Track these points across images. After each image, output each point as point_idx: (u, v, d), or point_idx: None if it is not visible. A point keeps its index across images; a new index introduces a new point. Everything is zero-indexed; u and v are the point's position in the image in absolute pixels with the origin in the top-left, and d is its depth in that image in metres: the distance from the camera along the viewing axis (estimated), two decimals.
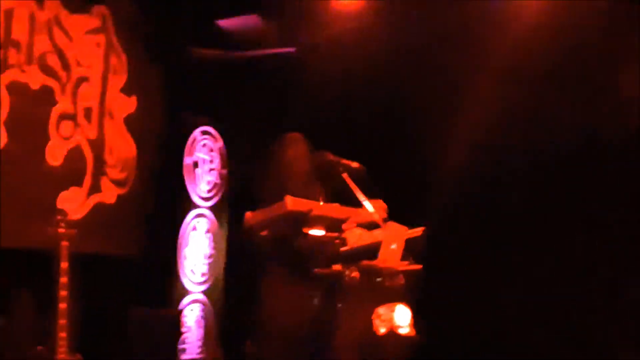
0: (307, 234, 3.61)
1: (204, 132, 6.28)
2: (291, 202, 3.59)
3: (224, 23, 6.10)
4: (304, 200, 3.66)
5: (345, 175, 3.93)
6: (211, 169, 6.30)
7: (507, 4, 5.03)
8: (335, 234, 3.64)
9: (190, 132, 6.16)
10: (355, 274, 3.55)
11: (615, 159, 4.81)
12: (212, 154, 6.32)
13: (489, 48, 5.02)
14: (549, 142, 4.96)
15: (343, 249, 3.63)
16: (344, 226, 3.68)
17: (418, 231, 3.74)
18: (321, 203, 3.81)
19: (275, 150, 4.04)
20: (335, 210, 3.72)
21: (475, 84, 5.07)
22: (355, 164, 3.99)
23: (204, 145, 6.28)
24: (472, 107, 5.02)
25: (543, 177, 5.05)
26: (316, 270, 3.58)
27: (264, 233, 3.78)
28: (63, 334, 4.14)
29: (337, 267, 3.57)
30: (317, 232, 3.64)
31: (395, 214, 3.77)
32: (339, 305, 3.56)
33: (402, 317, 3.59)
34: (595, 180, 4.86)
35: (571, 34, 4.79)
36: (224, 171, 6.36)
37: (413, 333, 3.59)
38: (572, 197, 4.96)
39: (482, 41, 5.06)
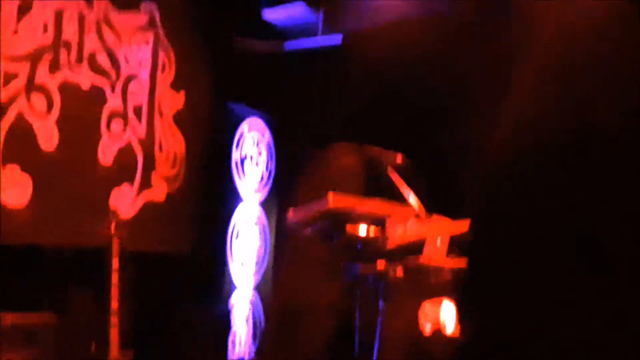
0: (350, 232, 3.56)
1: (252, 126, 6.29)
2: (334, 199, 3.55)
3: (270, 14, 6.08)
4: (347, 197, 3.61)
5: (390, 169, 3.86)
6: (259, 163, 6.31)
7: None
8: (379, 231, 3.58)
9: (238, 125, 6.17)
10: (400, 272, 3.49)
11: None
12: (260, 147, 6.32)
13: (530, 42, 4.86)
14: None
15: (387, 245, 3.56)
16: (387, 222, 3.61)
17: (464, 225, 3.64)
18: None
19: (324, 159, 4.01)
20: (378, 206, 3.65)
21: (517, 77, 4.91)
22: (399, 158, 3.92)
23: (252, 138, 6.29)
24: (517, 101, 4.88)
25: (590, 165, 4.86)
26: (359, 268, 3.53)
27: (307, 231, 3.76)
28: (115, 332, 4.23)
29: (381, 264, 3.51)
30: (361, 229, 3.58)
31: (439, 207, 3.68)
32: (384, 303, 3.50)
33: (447, 315, 3.52)
34: None
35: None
36: (272, 164, 6.37)
37: (457, 333, 3.52)
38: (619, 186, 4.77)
39: (524, 35, 4.91)
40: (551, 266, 4.88)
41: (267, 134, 6.37)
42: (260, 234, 6.26)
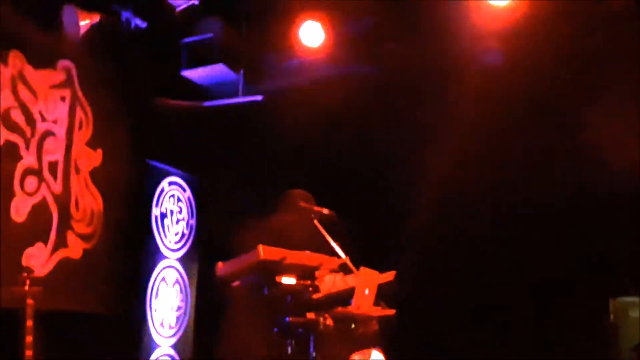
0: (279, 283, 3.58)
1: (172, 183, 6.25)
2: (264, 251, 3.57)
3: (190, 73, 6.13)
4: (277, 249, 3.64)
5: (316, 222, 3.93)
6: (179, 220, 6.25)
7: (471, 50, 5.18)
8: (308, 282, 3.62)
9: (159, 183, 6.12)
10: (330, 322, 3.52)
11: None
12: (180, 204, 6.28)
13: (454, 97, 5.14)
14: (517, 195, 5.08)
15: (316, 296, 3.60)
16: (317, 273, 3.66)
17: (389, 276, 3.74)
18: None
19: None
20: (307, 257, 3.70)
21: (441, 132, 5.17)
22: (326, 210, 4.00)
23: (172, 195, 6.25)
24: (439, 156, 5.12)
25: (513, 229, 5.13)
26: (290, 319, 3.53)
27: (236, 283, 3.75)
28: None
29: (311, 315, 3.53)
30: (290, 280, 3.61)
31: (365, 260, 3.77)
32: (314, 354, 3.51)
33: None
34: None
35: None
36: (192, 221, 6.33)
37: None
38: (544, 251, 5.05)
39: (447, 89, 5.19)
40: (477, 315, 5.06)
41: (188, 191, 6.34)
42: (180, 291, 6.15)
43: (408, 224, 5.15)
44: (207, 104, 6.25)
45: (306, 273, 3.63)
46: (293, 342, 3.59)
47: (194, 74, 6.12)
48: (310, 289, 3.58)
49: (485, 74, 5.09)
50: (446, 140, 5.10)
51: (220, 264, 3.80)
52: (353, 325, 3.60)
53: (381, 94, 5.41)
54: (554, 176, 5.03)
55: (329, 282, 3.65)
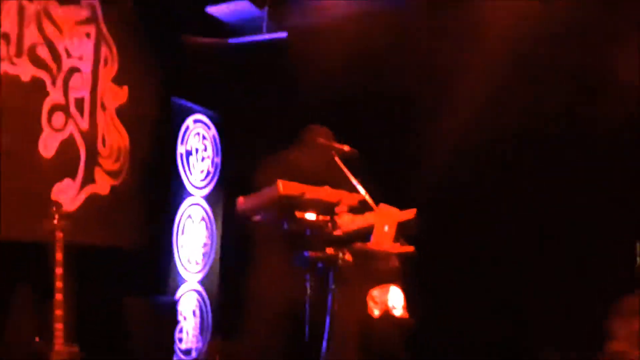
0: (299, 218, 3.60)
1: (197, 121, 6.27)
2: (283, 186, 3.59)
3: (215, 10, 6.08)
4: (296, 184, 3.65)
5: (337, 159, 3.92)
6: (204, 158, 6.30)
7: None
8: (328, 218, 3.63)
9: (183, 120, 6.15)
10: (349, 257, 3.54)
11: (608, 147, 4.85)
12: (205, 142, 6.31)
13: (481, 35, 5.03)
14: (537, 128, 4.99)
15: (336, 232, 3.62)
16: (336, 209, 3.67)
17: (410, 213, 3.73)
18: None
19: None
20: (327, 193, 3.71)
21: (468, 68, 5.08)
22: (347, 147, 3.98)
23: (197, 133, 6.28)
24: (464, 92, 5.04)
25: (532, 161, 5.07)
26: (309, 253, 3.56)
27: (257, 218, 3.78)
28: (60, 325, 4.16)
29: (330, 250, 3.55)
30: (310, 216, 3.63)
31: (387, 197, 3.76)
32: (333, 288, 3.55)
33: (395, 299, 3.60)
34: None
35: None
36: (217, 159, 6.37)
37: (406, 315, 3.60)
38: (561, 184, 4.99)
39: (474, 27, 5.08)
40: (494, 253, 5.05)
41: (213, 129, 6.36)
42: (206, 228, 6.25)
43: (429, 162, 5.11)
44: (231, 41, 6.20)
45: (325, 209, 3.63)
46: (312, 276, 3.63)
47: (219, 11, 6.07)
48: (330, 224, 3.59)
49: (515, 12, 4.96)
50: (471, 79, 5.02)
51: (240, 199, 3.83)
52: (372, 262, 3.61)
53: (406, 31, 5.31)
54: (580, 115, 4.93)
55: (349, 219, 3.65)
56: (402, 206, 3.76)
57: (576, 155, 4.98)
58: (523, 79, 5.04)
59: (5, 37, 4.79)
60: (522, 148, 5.13)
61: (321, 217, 3.62)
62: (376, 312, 3.59)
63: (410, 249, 3.69)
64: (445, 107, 5.14)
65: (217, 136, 6.37)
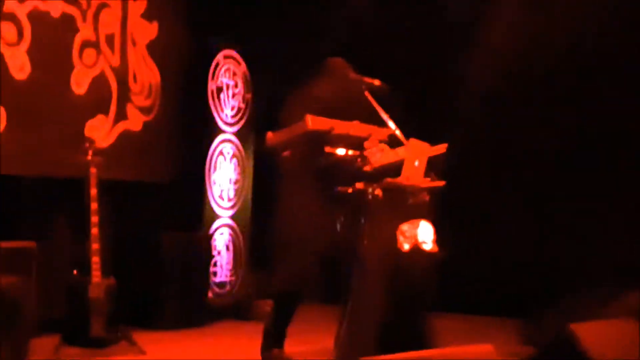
0: (328, 153, 3.58)
1: (227, 57, 6.23)
2: (312, 121, 3.56)
3: None
4: (325, 119, 3.62)
5: (367, 93, 3.87)
6: (235, 94, 6.27)
7: None
8: (358, 153, 3.61)
9: (214, 56, 6.11)
10: (379, 192, 3.53)
11: None
12: (236, 78, 6.28)
13: None
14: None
15: (366, 167, 3.60)
16: (366, 144, 3.64)
17: (441, 148, 3.69)
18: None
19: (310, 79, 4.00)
20: (356, 128, 3.68)
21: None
22: (377, 82, 3.92)
23: (228, 69, 6.24)
24: (496, 33, 4.91)
25: (565, 100, 4.96)
26: (339, 188, 3.56)
27: (286, 153, 3.78)
28: (96, 259, 4.27)
29: (360, 185, 3.54)
30: (339, 151, 3.61)
31: (417, 132, 3.71)
32: (363, 222, 3.56)
33: (425, 233, 3.60)
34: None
35: None
36: (248, 95, 6.34)
37: (436, 249, 3.60)
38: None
39: None
40: (523, 189, 5.01)
41: (243, 64, 6.31)
42: (237, 163, 6.28)
43: (460, 97, 5.03)
44: None
45: (355, 143, 3.61)
46: (342, 211, 3.63)
47: None
48: (359, 159, 3.57)
49: None
50: (505, 17, 4.88)
51: (270, 134, 3.82)
52: (402, 196, 3.59)
53: None
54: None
55: (378, 153, 3.62)
56: (432, 141, 3.72)
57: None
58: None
59: None
60: (557, 85, 5.00)
61: (351, 152, 3.60)
62: (406, 247, 3.58)
63: (440, 183, 3.66)
64: (479, 43, 5.03)
65: (247, 72, 6.32)
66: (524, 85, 5.07)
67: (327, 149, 3.58)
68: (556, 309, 3.95)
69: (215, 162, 6.09)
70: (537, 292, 4.85)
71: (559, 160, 5.01)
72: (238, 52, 6.25)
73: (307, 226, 3.76)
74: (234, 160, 6.25)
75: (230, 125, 6.23)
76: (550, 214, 4.91)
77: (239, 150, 6.28)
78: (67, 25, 5.02)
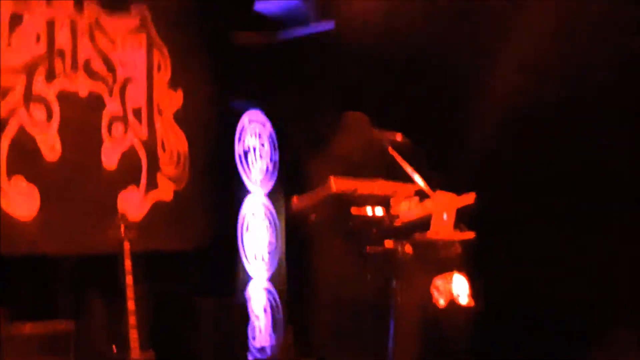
0: (355, 215, 3.56)
1: (252, 119, 6.30)
2: (336, 183, 3.55)
3: (262, 5, 6.07)
4: (349, 180, 3.61)
5: (390, 149, 3.85)
6: (262, 155, 6.31)
7: None
8: (384, 211, 3.57)
9: (239, 119, 6.18)
10: (409, 249, 3.49)
11: None
12: (262, 139, 6.33)
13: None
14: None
15: (394, 224, 3.56)
16: (392, 201, 3.61)
17: (469, 198, 3.64)
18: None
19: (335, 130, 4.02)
20: (380, 186, 3.65)
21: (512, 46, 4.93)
22: (399, 136, 3.90)
23: (253, 131, 6.30)
24: (513, 74, 4.88)
25: (586, 137, 4.86)
26: (368, 248, 3.53)
27: (313, 217, 3.76)
28: (134, 333, 4.27)
29: (389, 244, 3.51)
30: (366, 211, 3.58)
31: (441, 184, 3.68)
32: (395, 281, 3.51)
33: (460, 287, 3.53)
34: None
35: None
36: (276, 156, 6.38)
37: (472, 303, 3.52)
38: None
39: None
40: (555, 232, 4.89)
41: (268, 125, 6.37)
42: (269, 225, 6.27)
43: (484, 144, 4.98)
44: (280, 36, 6.18)
45: (380, 202, 3.58)
46: (374, 271, 3.59)
47: (267, 6, 6.06)
48: (387, 217, 3.54)
49: None
50: (520, 55, 4.85)
51: (295, 199, 3.81)
52: (433, 251, 3.54)
53: (458, 18, 5.16)
54: None
55: (406, 209, 3.59)
56: (459, 192, 3.67)
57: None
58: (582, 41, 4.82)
59: (61, 53, 4.90)
60: (572, 125, 4.92)
61: (377, 211, 3.57)
62: (441, 302, 3.52)
63: (470, 235, 3.61)
64: (498, 88, 4.99)
65: (273, 133, 6.37)
66: (558, 127, 5.01)
67: (353, 210, 3.56)
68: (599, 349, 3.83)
69: (247, 224, 6.11)
70: (579, 332, 4.72)
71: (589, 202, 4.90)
72: (264, 112, 6.31)
73: (341, 287, 3.72)
74: (266, 221, 6.25)
75: (260, 186, 6.26)
76: (586, 252, 4.78)
77: (269, 211, 6.28)
78: (95, 102, 5.13)
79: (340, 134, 4.09)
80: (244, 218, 6.11)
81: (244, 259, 6.03)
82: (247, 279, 6.02)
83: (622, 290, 4.65)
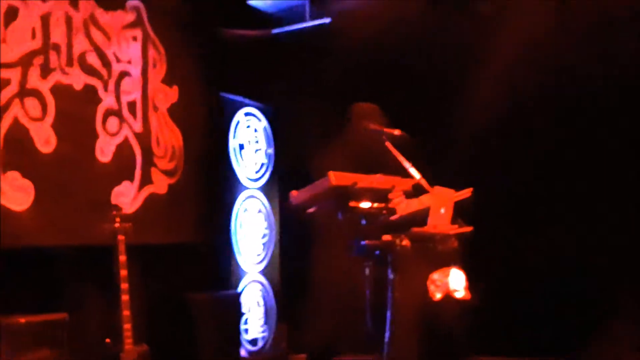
0: (354, 208, 3.58)
1: (247, 114, 6.30)
2: (334, 177, 3.57)
3: (255, 2, 6.08)
4: (348, 174, 3.63)
5: (388, 144, 3.88)
6: (257, 150, 6.33)
7: None
8: (382, 205, 3.60)
9: (234, 114, 6.19)
10: (406, 243, 3.51)
11: None
12: (257, 134, 6.34)
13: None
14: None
15: (392, 218, 3.58)
16: (390, 195, 3.63)
17: (466, 193, 3.66)
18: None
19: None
20: (380, 180, 3.67)
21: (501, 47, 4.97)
22: (397, 131, 3.93)
23: (248, 126, 6.30)
24: (512, 70, 4.92)
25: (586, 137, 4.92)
26: (367, 242, 3.55)
27: (311, 210, 3.78)
28: (128, 325, 4.27)
29: (387, 237, 3.53)
30: (364, 204, 3.60)
31: (441, 179, 3.70)
32: (393, 275, 3.53)
33: (456, 281, 3.55)
34: None
35: None
36: (271, 151, 6.39)
37: (469, 296, 3.55)
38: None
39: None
40: (552, 226, 4.94)
41: (263, 120, 6.38)
42: (263, 219, 6.29)
43: (482, 140, 5.02)
44: (275, 31, 6.20)
45: (379, 196, 3.60)
46: (370, 264, 3.61)
47: (261, 2, 6.07)
48: (385, 211, 3.56)
49: None
50: (522, 54, 4.89)
51: (294, 192, 3.82)
52: (431, 245, 3.56)
53: (454, 12, 5.20)
54: None
55: (403, 204, 3.61)
56: (456, 187, 3.70)
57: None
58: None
59: (56, 47, 4.89)
60: (571, 121, 4.97)
61: (375, 205, 3.59)
62: (438, 296, 3.54)
63: (468, 229, 3.63)
64: (496, 82, 5.03)
65: (268, 127, 6.38)
66: (550, 121, 5.05)
67: (352, 204, 3.57)
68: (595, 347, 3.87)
69: (241, 219, 6.11)
70: (574, 330, 4.76)
71: (589, 198, 4.95)
72: (258, 108, 6.32)
73: (337, 281, 3.74)
74: (260, 215, 6.27)
75: (255, 180, 6.27)
76: (586, 250, 4.82)
77: (264, 205, 6.30)
78: (90, 96, 5.11)
79: (343, 125, 4.10)
80: (238, 212, 6.12)
81: (237, 253, 6.03)
82: (241, 273, 6.03)
83: (621, 283, 4.70)
